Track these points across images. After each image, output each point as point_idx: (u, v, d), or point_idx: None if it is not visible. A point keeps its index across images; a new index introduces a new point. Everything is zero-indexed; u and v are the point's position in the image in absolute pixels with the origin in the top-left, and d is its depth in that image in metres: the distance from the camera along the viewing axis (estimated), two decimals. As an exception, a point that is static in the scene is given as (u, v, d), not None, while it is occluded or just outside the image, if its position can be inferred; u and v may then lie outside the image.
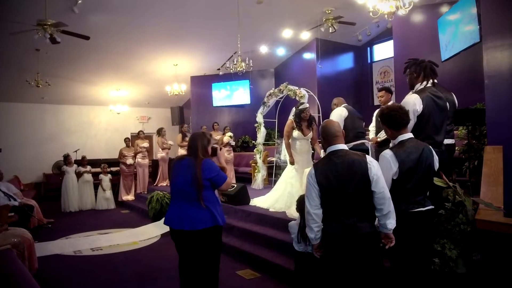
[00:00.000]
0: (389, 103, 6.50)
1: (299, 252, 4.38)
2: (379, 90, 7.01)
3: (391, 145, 3.68)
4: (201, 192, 3.78)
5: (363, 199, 3.14)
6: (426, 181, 3.47)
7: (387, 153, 3.44)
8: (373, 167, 3.15)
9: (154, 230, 8.95)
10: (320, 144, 3.55)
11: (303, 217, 4.05)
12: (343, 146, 3.33)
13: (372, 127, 7.11)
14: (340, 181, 3.14)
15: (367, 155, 3.27)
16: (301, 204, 4.21)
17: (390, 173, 3.36)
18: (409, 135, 3.55)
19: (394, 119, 3.50)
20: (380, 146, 6.16)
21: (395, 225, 3.18)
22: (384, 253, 3.28)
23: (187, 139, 11.96)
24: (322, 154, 5.34)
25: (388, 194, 3.14)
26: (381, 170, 3.24)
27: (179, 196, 3.91)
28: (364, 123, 6.57)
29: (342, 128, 5.71)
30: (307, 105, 7.41)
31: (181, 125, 13.08)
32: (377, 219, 3.21)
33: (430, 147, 3.54)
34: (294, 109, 7.55)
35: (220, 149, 4.32)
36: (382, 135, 6.31)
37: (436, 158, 3.54)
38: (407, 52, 9.11)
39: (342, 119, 6.08)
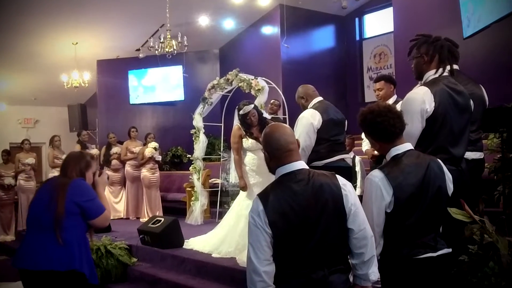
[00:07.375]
0: (391, 100, 6.47)
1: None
2: (376, 80, 7.01)
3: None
4: (60, 219, 3.93)
5: (335, 242, 3.04)
6: (436, 212, 3.40)
7: (376, 175, 3.34)
8: (349, 194, 3.04)
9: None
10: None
11: None
12: (302, 165, 3.16)
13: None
14: (303, 218, 2.98)
15: (337, 176, 3.15)
16: None
17: (382, 204, 3.28)
18: (406, 146, 3.45)
19: (382, 128, 3.39)
20: (378, 162, 6.05)
21: (378, 275, 3.12)
22: None
23: (89, 151, 11.78)
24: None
25: (370, 232, 3.07)
26: (368, 199, 3.24)
27: (33, 225, 4.15)
28: (345, 127, 6.42)
29: (313, 142, 5.59)
30: (251, 106, 7.37)
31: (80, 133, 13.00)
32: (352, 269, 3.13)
33: (439, 161, 3.50)
34: (236, 111, 7.59)
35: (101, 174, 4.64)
36: None
37: (449, 177, 3.49)
38: (413, 26, 9.25)
39: (314, 131, 5.69)
